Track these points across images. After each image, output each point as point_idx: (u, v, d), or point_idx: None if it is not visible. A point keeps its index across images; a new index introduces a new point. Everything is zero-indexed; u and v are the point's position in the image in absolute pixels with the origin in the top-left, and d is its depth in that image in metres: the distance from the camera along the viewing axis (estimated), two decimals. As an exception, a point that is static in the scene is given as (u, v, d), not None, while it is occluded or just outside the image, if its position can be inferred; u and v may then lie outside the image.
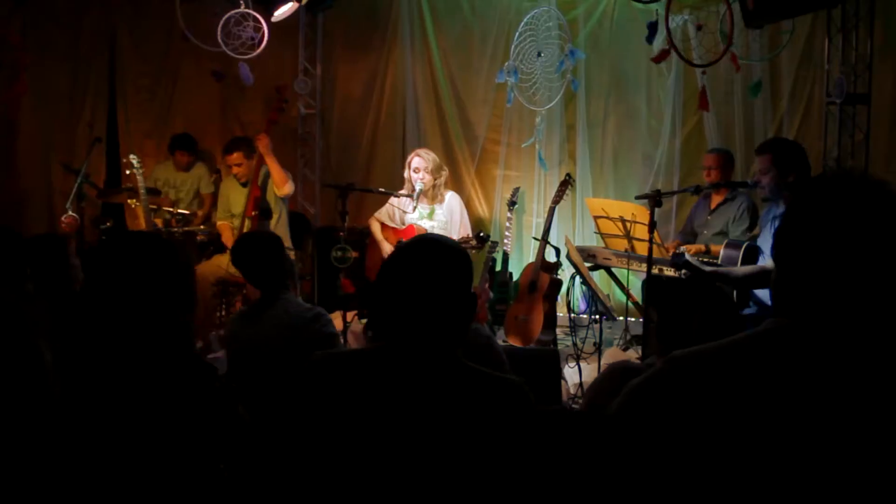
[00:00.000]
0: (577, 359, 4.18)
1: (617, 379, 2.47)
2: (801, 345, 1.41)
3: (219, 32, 5.00)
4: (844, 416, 1.36)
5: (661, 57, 5.04)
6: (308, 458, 1.70)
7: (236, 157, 5.74)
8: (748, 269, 4.29)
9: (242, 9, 4.99)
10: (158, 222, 6.08)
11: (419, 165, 5.55)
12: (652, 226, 4.30)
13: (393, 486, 1.63)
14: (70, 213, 5.81)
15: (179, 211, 6.22)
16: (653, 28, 4.75)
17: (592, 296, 4.47)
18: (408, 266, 1.75)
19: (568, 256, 4.77)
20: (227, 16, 5.00)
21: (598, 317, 4.59)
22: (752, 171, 5.81)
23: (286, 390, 2.68)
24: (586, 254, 5.16)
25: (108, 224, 6.27)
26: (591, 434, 1.65)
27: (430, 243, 1.81)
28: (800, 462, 1.37)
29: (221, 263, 5.44)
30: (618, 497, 1.57)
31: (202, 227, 6.37)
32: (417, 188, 5.47)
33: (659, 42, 6.08)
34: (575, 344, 4.66)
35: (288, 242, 5.88)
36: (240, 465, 1.89)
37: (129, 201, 6.24)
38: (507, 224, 5.98)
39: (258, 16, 5.08)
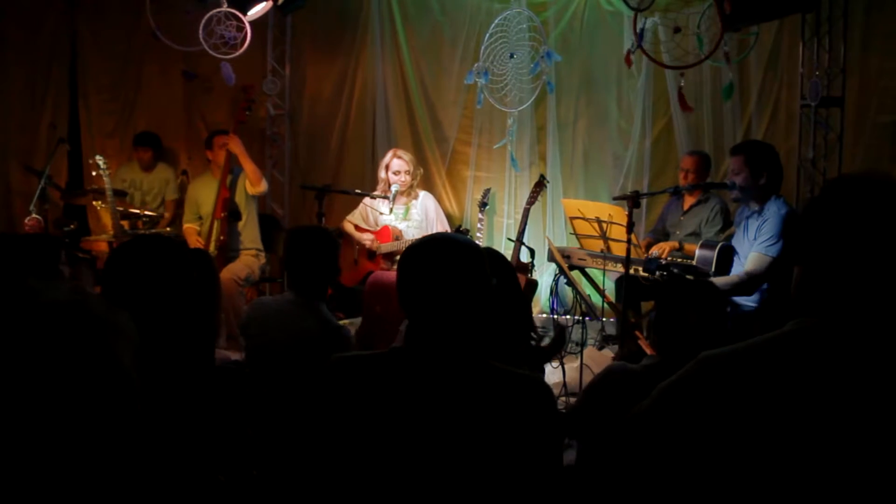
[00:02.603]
0: (561, 358, 4.20)
1: (616, 380, 2.48)
2: (829, 344, 1.43)
3: (200, 31, 4.92)
4: (875, 413, 1.38)
5: (629, 58, 5.11)
6: (332, 462, 1.67)
7: (221, 138, 5.70)
8: (725, 280, 4.35)
9: (225, 8, 4.91)
10: (125, 224, 5.96)
11: (400, 168, 5.54)
12: (630, 226, 4.35)
13: (419, 487, 1.62)
14: (34, 214, 5.68)
15: (147, 213, 6.11)
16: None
17: (577, 296, 4.50)
18: (423, 266, 1.73)
19: (553, 258, 4.79)
20: (208, 15, 4.93)
21: (581, 317, 4.62)
22: (721, 172, 5.92)
23: (306, 393, 2.67)
24: (561, 254, 5.18)
25: (72, 226, 6.15)
26: (620, 433, 1.65)
27: (442, 242, 1.79)
28: (829, 459, 1.39)
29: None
30: (649, 493, 1.58)
31: (168, 229, 6.28)
32: (393, 189, 5.45)
33: (630, 44, 6.16)
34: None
35: (258, 244, 5.82)
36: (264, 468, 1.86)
37: (94, 203, 6.12)
38: (479, 225, 5.98)
39: (241, 15, 5.02)
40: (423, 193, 5.77)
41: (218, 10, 4.92)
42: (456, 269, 1.72)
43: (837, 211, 1.48)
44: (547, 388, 1.74)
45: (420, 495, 1.62)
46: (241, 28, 5.03)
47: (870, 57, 5.38)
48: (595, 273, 5.21)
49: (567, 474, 1.79)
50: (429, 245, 1.77)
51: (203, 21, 4.96)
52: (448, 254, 1.73)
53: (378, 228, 5.63)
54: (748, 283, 4.28)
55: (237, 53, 5.13)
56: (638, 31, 5.99)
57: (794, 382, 1.42)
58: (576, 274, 5.42)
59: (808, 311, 1.50)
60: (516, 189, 6.64)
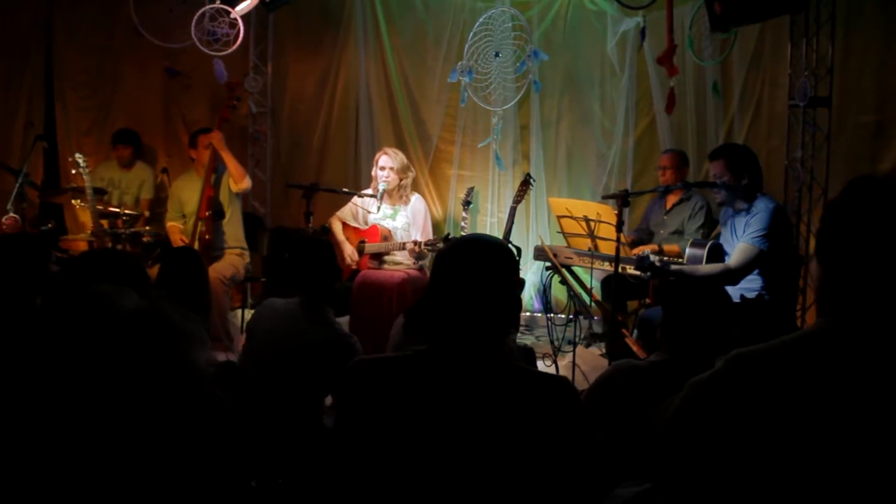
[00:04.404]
0: (555, 356, 4.22)
1: (625, 378, 2.50)
2: (859, 343, 1.45)
3: (192, 28, 4.86)
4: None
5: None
6: (361, 467, 1.66)
7: (206, 137, 5.62)
8: (711, 268, 4.41)
9: (218, 4, 4.86)
10: (104, 223, 5.87)
11: (385, 164, 5.50)
12: (619, 225, 4.37)
13: (452, 489, 1.61)
14: (11, 213, 5.57)
15: (126, 211, 6.02)
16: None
17: (570, 294, 4.52)
18: (460, 267, 1.72)
19: (544, 257, 4.80)
20: (200, 11, 4.87)
21: (574, 315, 4.64)
22: (703, 171, 5.97)
23: (314, 398, 2.65)
24: (542, 253, 5.20)
25: (50, 226, 6.07)
26: (649, 430, 1.65)
27: (479, 244, 1.78)
28: (860, 456, 1.41)
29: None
30: (681, 489, 1.59)
31: (147, 227, 6.19)
32: (381, 188, 5.42)
33: (613, 44, 6.20)
34: (553, 341, 4.70)
35: (242, 243, 5.77)
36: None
37: (73, 202, 6.03)
38: (463, 224, 5.97)
39: (234, 12, 4.97)
40: (415, 197, 5.73)
41: (210, 6, 4.86)
42: (496, 272, 1.72)
43: (861, 211, 1.50)
44: (572, 387, 1.75)
45: (453, 497, 1.61)
46: (233, 24, 4.97)
47: (851, 58, 5.46)
48: (579, 271, 5.24)
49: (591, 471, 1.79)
50: (472, 247, 1.76)
51: (195, 17, 4.90)
52: (491, 257, 1.73)
53: (367, 227, 5.59)
54: (733, 273, 4.33)
55: (230, 50, 5.08)
56: (622, 31, 6.05)
57: (827, 380, 1.44)
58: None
59: (833, 310, 1.52)
60: (500, 188, 6.65)
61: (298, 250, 3.28)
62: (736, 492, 1.51)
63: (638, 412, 2.26)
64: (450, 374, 1.67)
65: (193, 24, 4.91)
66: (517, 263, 1.79)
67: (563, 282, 4.46)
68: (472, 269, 1.71)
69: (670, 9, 4.87)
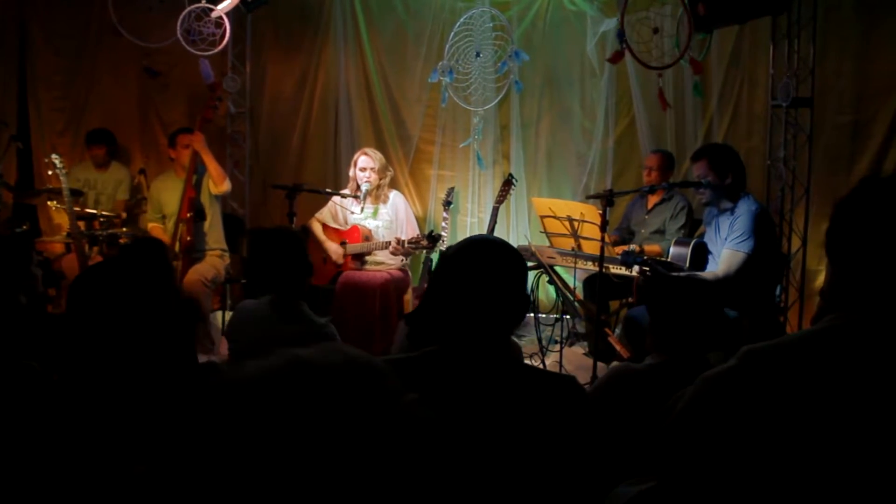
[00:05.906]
0: (542, 355, 4.22)
1: (622, 380, 2.50)
2: (868, 340, 1.47)
3: (178, 28, 4.80)
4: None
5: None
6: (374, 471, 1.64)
7: (185, 137, 5.56)
8: (701, 276, 4.44)
9: (204, 3, 4.80)
10: (81, 225, 5.78)
11: (366, 164, 5.48)
12: (604, 225, 4.39)
13: (460, 488, 1.59)
14: (-15, 215, 5.48)
15: (104, 213, 5.94)
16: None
17: (558, 294, 4.52)
18: (473, 267, 1.71)
19: (529, 256, 4.81)
20: (187, 10, 4.82)
21: (560, 315, 4.65)
22: (683, 172, 6.00)
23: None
24: (528, 253, 5.20)
25: (25, 227, 5.96)
26: (659, 423, 1.66)
27: (490, 244, 1.77)
28: (870, 452, 1.42)
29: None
30: (689, 484, 1.59)
31: (125, 229, 6.11)
32: (364, 188, 5.40)
33: (593, 44, 6.22)
34: (540, 340, 4.71)
35: (223, 244, 5.72)
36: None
37: (49, 203, 5.93)
38: (444, 224, 5.97)
39: (215, 9, 4.92)
40: (393, 193, 5.74)
41: (196, 5, 4.81)
42: (508, 271, 1.71)
43: (870, 209, 1.52)
44: (582, 386, 1.75)
45: (464, 496, 1.60)
46: (219, 24, 4.92)
47: (827, 59, 5.53)
48: (560, 271, 5.25)
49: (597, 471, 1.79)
50: (483, 247, 1.75)
51: (181, 17, 4.85)
52: (502, 256, 1.72)
53: (348, 227, 5.57)
54: (723, 281, 4.35)
55: (216, 50, 5.03)
56: (602, 31, 6.07)
57: (837, 377, 1.46)
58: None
59: (843, 307, 1.54)
60: (480, 188, 6.64)
61: (266, 246, 3.22)
62: (745, 487, 1.52)
63: (638, 414, 2.27)
64: (461, 373, 1.67)
65: (179, 23, 4.85)
66: (526, 263, 1.79)
67: (552, 281, 4.46)
68: (485, 268, 1.70)
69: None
